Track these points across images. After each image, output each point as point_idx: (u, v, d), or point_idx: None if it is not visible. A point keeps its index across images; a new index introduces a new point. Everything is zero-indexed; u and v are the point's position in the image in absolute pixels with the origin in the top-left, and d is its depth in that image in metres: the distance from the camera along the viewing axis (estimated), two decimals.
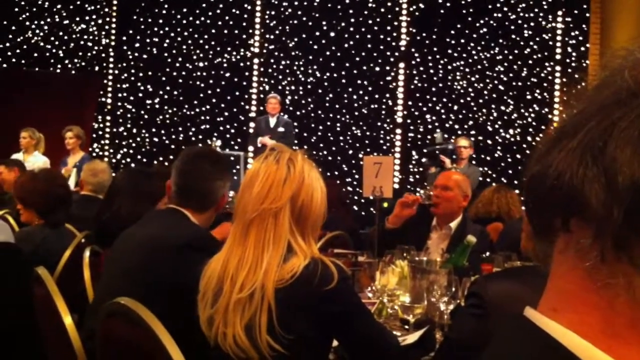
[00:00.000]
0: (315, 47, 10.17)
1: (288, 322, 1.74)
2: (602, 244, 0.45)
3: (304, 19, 10.21)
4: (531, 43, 9.70)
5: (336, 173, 9.64)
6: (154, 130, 10.29)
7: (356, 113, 10.08)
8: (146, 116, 10.32)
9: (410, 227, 3.63)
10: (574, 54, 9.53)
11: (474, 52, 9.87)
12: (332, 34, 10.13)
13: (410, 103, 10.01)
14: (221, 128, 10.17)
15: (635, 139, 0.43)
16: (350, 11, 10.12)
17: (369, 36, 10.09)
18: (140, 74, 10.40)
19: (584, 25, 9.26)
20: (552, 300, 0.50)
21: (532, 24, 9.72)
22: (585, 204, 0.44)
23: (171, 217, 2.39)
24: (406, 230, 3.59)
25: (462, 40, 9.87)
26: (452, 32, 9.90)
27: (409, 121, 9.99)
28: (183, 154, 2.52)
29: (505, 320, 0.54)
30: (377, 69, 10.07)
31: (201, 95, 10.24)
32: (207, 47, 10.32)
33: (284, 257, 1.79)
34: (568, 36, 9.60)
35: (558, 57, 9.60)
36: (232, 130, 10.17)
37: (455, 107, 9.85)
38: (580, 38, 9.45)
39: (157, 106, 10.32)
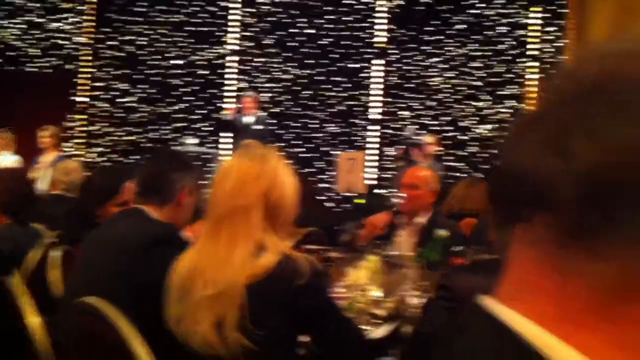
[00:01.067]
0: (292, 44, 10.17)
1: (259, 319, 1.74)
2: (560, 233, 0.45)
3: (281, 16, 10.21)
4: (507, 39, 9.79)
5: (313, 170, 9.65)
6: (128, 128, 10.22)
7: (333, 110, 10.10)
8: (121, 115, 10.25)
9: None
10: (550, 49, 9.61)
11: (450, 48, 9.94)
12: (309, 31, 10.14)
13: (387, 99, 10.06)
14: (197, 126, 10.14)
15: (596, 131, 0.44)
16: (327, 8, 10.14)
17: (345, 33, 10.13)
18: (115, 72, 10.32)
19: (560, 21, 9.33)
20: (509, 288, 0.50)
21: (508, 20, 9.81)
22: (544, 194, 0.45)
23: (135, 216, 2.40)
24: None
25: (439, 37, 9.94)
26: (429, 28, 9.96)
27: (385, 117, 10.03)
28: (146, 154, 2.59)
29: (462, 310, 0.55)
30: (354, 65, 10.11)
31: (177, 93, 10.19)
32: (182, 44, 10.27)
33: (256, 254, 1.79)
34: (544, 32, 9.68)
35: (534, 53, 9.68)
36: (208, 128, 10.14)
37: (432, 103, 9.92)
38: (557, 34, 9.52)
39: (132, 104, 10.26)
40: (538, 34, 9.70)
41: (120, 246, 2.28)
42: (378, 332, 2.23)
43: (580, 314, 0.45)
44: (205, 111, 10.19)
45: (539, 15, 9.70)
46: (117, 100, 10.26)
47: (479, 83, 9.81)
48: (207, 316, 1.76)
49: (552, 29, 9.58)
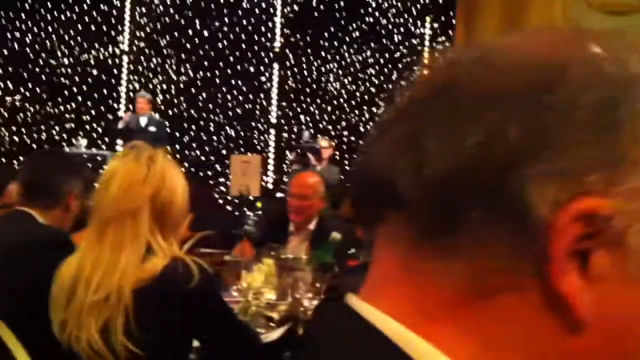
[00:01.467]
0: (188, 45, 10.04)
1: (147, 324, 1.70)
2: (415, 232, 0.46)
3: (176, 17, 10.06)
4: (401, 47, 10.07)
5: (209, 173, 9.56)
6: (14, 129, 9.77)
7: (230, 113, 10.05)
8: (6, 114, 9.78)
9: (269, 235, 3.56)
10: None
11: (346, 54, 10.12)
12: (206, 33, 10.05)
13: (284, 104, 10.12)
14: (87, 127, 9.81)
15: (445, 132, 0.45)
16: (224, 10, 10.08)
17: (243, 36, 10.10)
18: (0, 71, 9.86)
19: (450, 32, 9.70)
20: (372, 286, 0.51)
21: (401, 29, 10.10)
22: (398, 194, 0.46)
23: (19, 220, 2.29)
24: (265, 240, 3.51)
25: (336, 43, 10.10)
26: (326, 34, 10.11)
27: (283, 121, 10.09)
28: (30, 155, 2.46)
29: (327, 309, 0.55)
30: (252, 69, 10.11)
31: (66, 93, 9.83)
32: (72, 43, 9.92)
33: (144, 258, 1.74)
34: (435, 42, 10.03)
35: (426, 61, 9.99)
36: (100, 130, 9.84)
37: (329, 108, 10.06)
38: (447, 44, 9.88)
39: (18, 104, 9.82)
40: (429, 43, 10.04)
41: (3, 250, 2.18)
42: (272, 335, 2.23)
43: (440, 311, 0.46)
44: (97, 112, 9.89)
45: (431, 25, 10.04)
46: (2, 99, 9.79)
47: (375, 89, 10.04)
48: (93, 321, 1.70)
49: (442, 38, 9.94)
